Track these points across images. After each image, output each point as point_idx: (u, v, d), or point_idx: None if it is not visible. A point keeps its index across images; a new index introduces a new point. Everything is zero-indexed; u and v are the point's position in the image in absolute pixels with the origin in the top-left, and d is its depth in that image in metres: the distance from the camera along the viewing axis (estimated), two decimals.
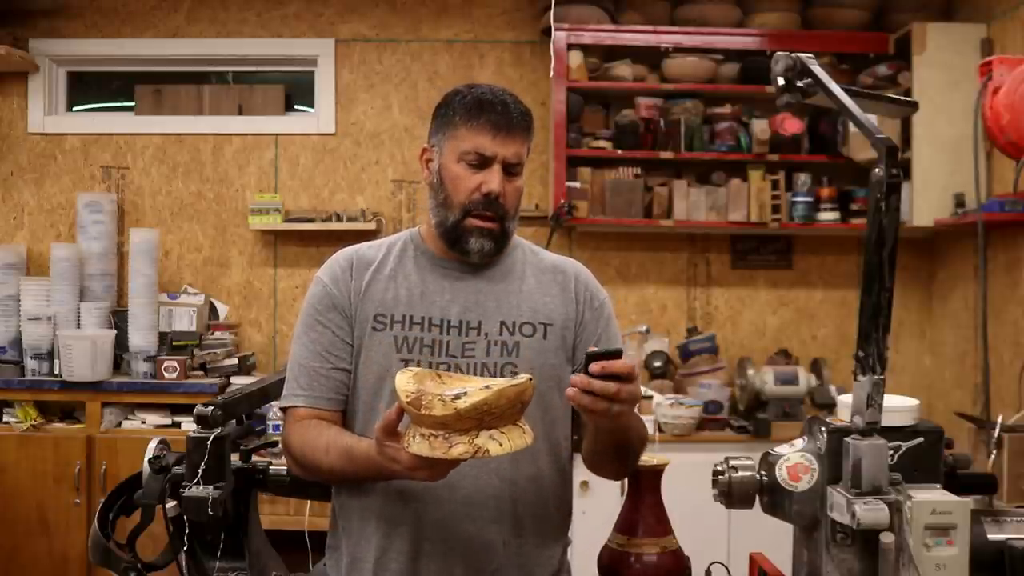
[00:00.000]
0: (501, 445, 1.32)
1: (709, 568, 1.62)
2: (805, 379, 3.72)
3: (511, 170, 1.59)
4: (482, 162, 1.57)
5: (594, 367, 1.31)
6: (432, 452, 1.32)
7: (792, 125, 3.88)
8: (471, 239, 1.59)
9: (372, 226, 4.05)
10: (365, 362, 1.60)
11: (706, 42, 3.94)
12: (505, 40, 4.23)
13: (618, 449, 1.53)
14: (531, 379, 1.32)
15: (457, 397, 1.29)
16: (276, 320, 4.23)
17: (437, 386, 1.37)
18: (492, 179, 1.56)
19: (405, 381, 1.35)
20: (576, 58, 3.91)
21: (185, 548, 1.77)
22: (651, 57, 3.99)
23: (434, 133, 1.65)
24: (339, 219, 4.06)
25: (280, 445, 1.66)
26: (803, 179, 3.97)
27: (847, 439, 1.22)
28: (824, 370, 3.79)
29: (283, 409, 1.65)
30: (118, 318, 3.89)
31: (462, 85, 1.65)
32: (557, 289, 1.67)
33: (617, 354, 1.35)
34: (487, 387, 1.29)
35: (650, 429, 3.60)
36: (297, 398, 1.61)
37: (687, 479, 2.15)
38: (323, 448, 1.54)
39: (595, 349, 1.35)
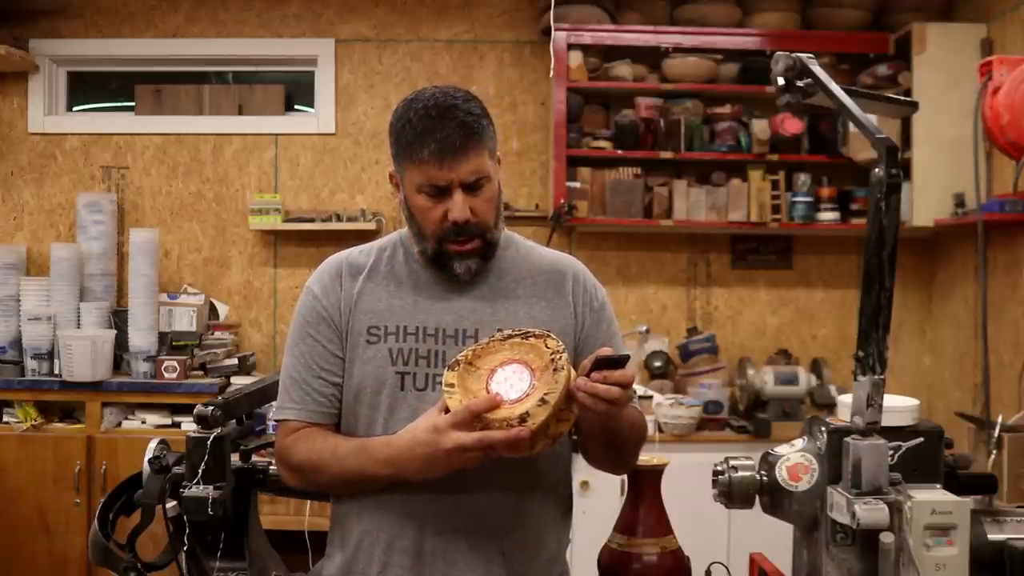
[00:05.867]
0: (567, 422, 1.42)
1: (709, 568, 1.62)
2: (805, 379, 3.72)
3: (475, 185, 1.52)
4: (439, 191, 1.51)
5: (608, 376, 1.36)
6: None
7: (792, 125, 3.88)
8: (454, 264, 1.56)
9: (372, 226, 4.04)
10: (360, 375, 1.56)
11: (706, 42, 3.94)
12: (505, 40, 4.23)
13: (610, 440, 1.55)
14: (569, 369, 1.38)
15: (523, 420, 1.33)
16: (276, 320, 4.23)
17: (477, 380, 1.41)
18: (454, 207, 1.51)
19: (457, 404, 1.38)
20: (576, 58, 3.91)
21: (185, 548, 1.77)
22: (651, 57, 3.99)
23: (393, 159, 1.59)
24: (339, 219, 4.05)
25: (275, 457, 1.64)
26: (803, 179, 3.97)
27: (847, 439, 1.22)
28: (824, 370, 3.78)
29: (276, 421, 1.64)
30: (118, 318, 3.89)
31: (403, 103, 1.56)
32: (554, 292, 1.64)
33: (624, 360, 1.38)
34: (543, 401, 1.34)
35: (650, 429, 3.61)
36: (289, 411, 1.60)
37: (687, 479, 2.15)
38: (331, 447, 1.54)
39: (604, 355, 1.37)
